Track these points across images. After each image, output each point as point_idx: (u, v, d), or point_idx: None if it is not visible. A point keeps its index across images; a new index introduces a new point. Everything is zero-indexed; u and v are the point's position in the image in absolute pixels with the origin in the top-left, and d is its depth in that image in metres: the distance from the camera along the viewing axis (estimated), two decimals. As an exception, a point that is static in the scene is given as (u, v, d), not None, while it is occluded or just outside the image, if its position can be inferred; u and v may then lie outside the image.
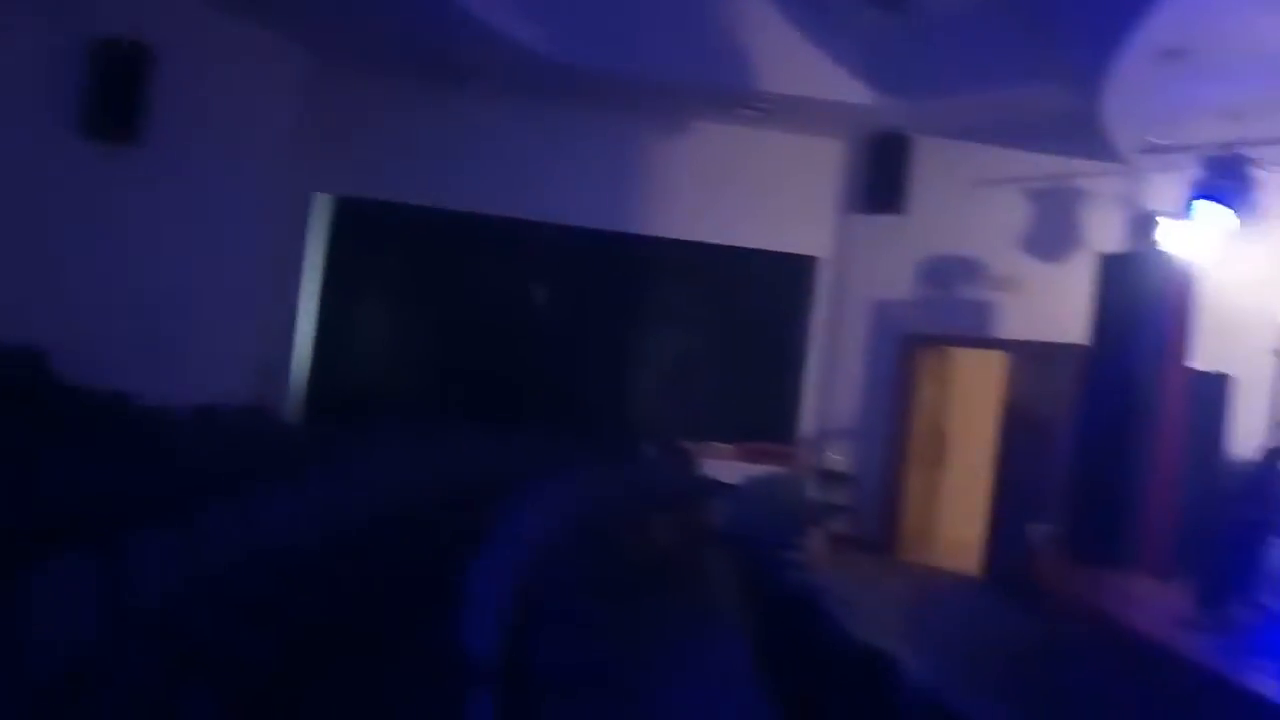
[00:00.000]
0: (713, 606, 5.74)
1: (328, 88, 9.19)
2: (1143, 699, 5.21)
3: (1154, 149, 7.47)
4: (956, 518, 9.24)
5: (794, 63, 8.52)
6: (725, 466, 8.62)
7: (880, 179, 9.40)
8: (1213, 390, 6.98)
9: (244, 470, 5.36)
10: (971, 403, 9.36)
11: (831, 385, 9.90)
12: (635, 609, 5.36)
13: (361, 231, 9.78)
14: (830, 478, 9.38)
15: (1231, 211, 6.55)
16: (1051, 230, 8.86)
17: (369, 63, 9.23)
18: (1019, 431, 8.47)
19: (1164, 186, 7.67)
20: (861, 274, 9.77)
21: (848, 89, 8.57)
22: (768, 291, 10.23)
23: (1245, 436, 6.71)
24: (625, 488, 7.02)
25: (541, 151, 9.59)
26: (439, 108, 9.44)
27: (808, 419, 9.90)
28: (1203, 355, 7.05)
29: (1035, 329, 8.52)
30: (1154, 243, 7.26)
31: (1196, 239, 7.00)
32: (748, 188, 9.78)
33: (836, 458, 9.55)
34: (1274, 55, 6.05)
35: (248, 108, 8.65)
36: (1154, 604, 5.85)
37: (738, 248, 9.85)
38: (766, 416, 9.83)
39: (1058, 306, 8.13)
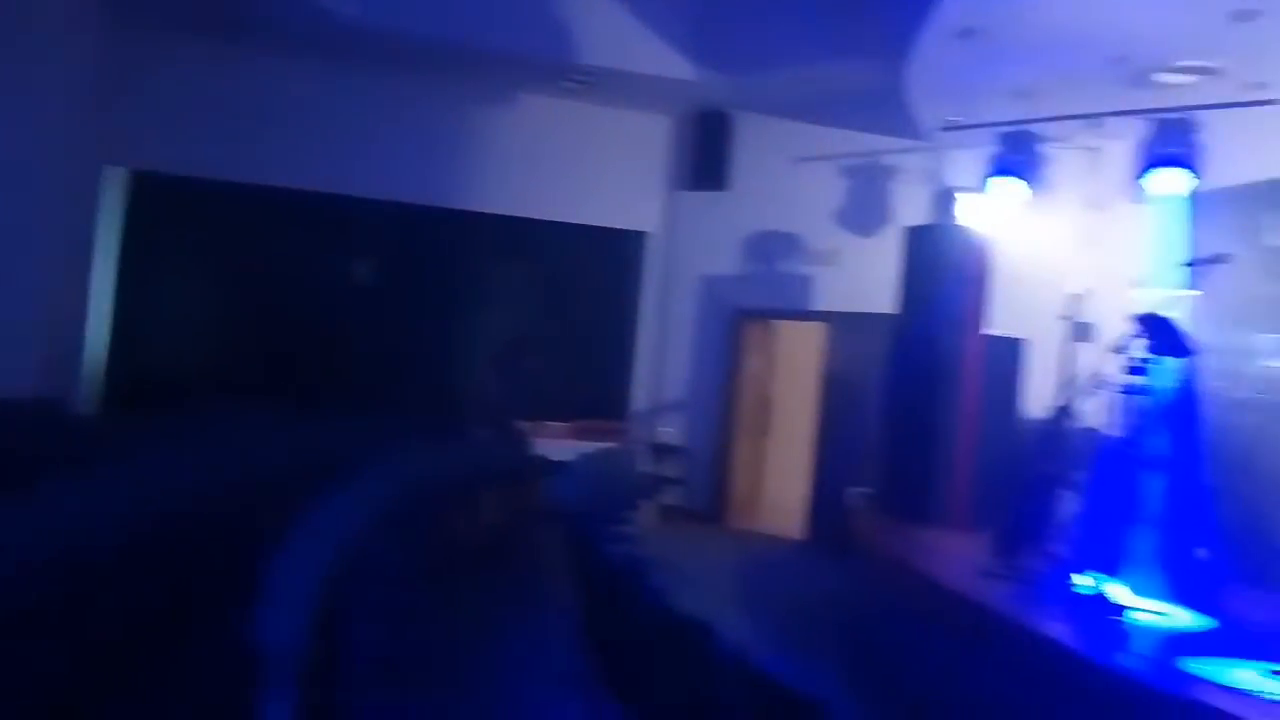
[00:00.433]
0: (541, 585, 5.70)
1: (123, 50, 8.47)
2: (948, 646, 5.50)
3: (954, 127, 7.86)
4: (782, 484, 9.56)
5: (617, 36, 8.50)
6: (557, 444, 8.59)
7: (705, 155, 9.54)
8: (1009, 354, 7.44)
9: (26, 468, 4.90)
10: (795, 373, 9.68)
11: (662, 360, 10.01)
12: (459, 593, 5.26)
13: (162, 208, 9.11)
14: (661, 451, 9.51)
15: (1024, 186, 6.96)
16: (864, 205, 9.26)
17: (170, 22, 8.55)
18: (837, 399, 8.83)
19: (964, 163, 8.13)
20: (689, 249, 9.90)
21: (670, 64, 8.63)
22: (597, 268, 10.23)
23: (1038, 397, 7.17)
24: (451, 469, 6.86)
25: (360, 123, 9.21)
26: (247, 75, 8.89)
27: (639, 394, 9.98)
28: (999, 321, 7.52)
29: (851, 300, 8.89)
30: (954, 216, 7.66)
31: (993, 212, 7.43)
32: (576, 163, 9.71)
33: (667, 431, 9.69)
34: (1061, 38, 6.45)
35: (31, 72, 7.87)
36: (957, 557, 6.18)
37: (566, 223, 9.79)
38: (598, 393, 9.86)
39: (871, 278, 8.49)
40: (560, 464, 7.85)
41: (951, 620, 5.59)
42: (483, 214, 9.59)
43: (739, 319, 9.74)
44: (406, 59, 8.83)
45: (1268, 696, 3.85)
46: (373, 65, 8.99)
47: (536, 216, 9.66)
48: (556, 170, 9.61)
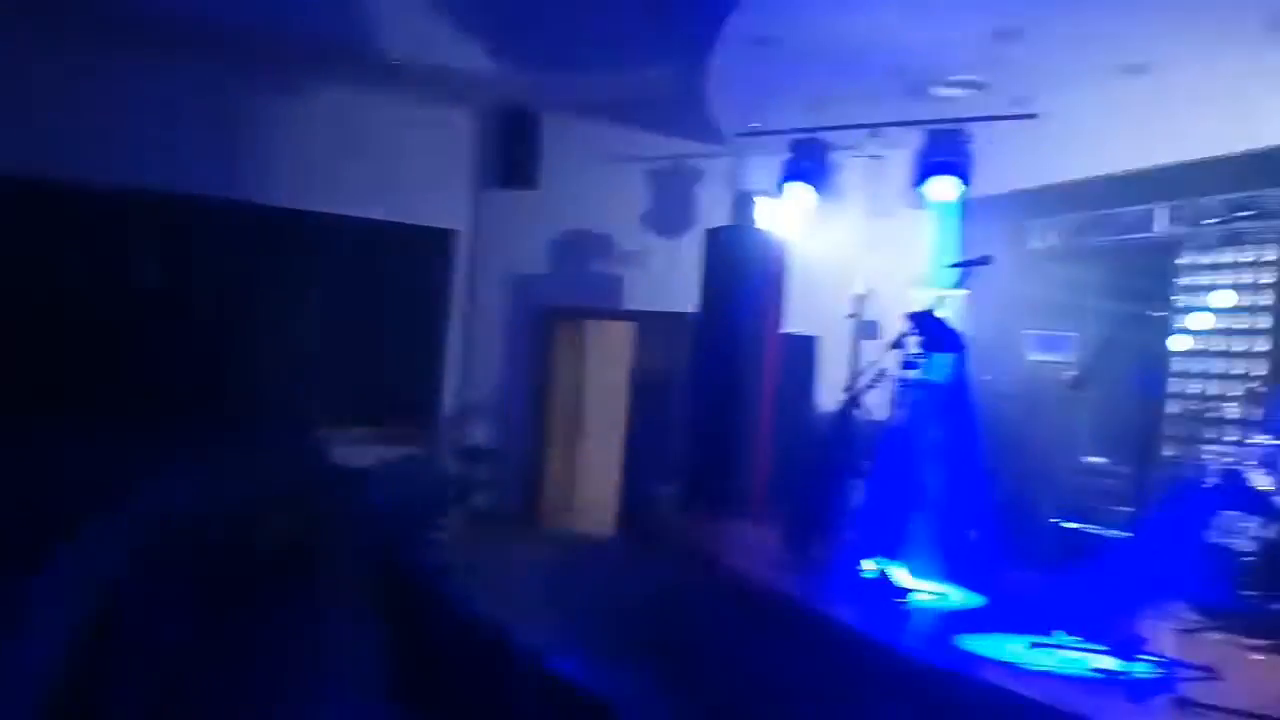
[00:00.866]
0: (341, 598, 5.47)
1: None
2: (749, 635, 5.67)
3: (751, 133, 8.13)
4: (594, 483, 9.61)
5: (419, 29, 8.25)
6: (360, 450, 8.27)
7: (513, 153, 9.45)
8: (803, 351, 7.78)
9: None
10: (605, 372, 9.75)
11: (472, 361, 9.85)
12: (249, 615, 4.96)
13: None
14: (472, 454, 9.35)
15: (814, 191, 7.28)
16: (670, 207, 9.46)
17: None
18: (647, 397, 8.95)
19: (763, 167, 8.44)
20: (498, 248, 9.78)
21: (474, 59, 8.47)
22: (404, 266, 9.92)
23: (830, 391, 7.52)
24: (240, 480, 6.48)
25: (142, 111, 8.52)
26: (8, 54, 8.06)
27: (448, 396, 9.77)
28: (794, 320, 7.85)
29: (660, 300, 9.04)
30: (753, 219, 7.93)
31: (787, 216, 7.74)
32: (379, 158, 9.37)
33: (478, 433, 9.54)
34: (847, 50, 6.77)
35: None
36: (755, 548, 6.40)
37: (370, 220, 9.45)
38: (404, 395, 9.57)
39: (678, 278, 8.65)
40: (361, 470, 7.58)
41: (751, 610, 5.76)
42: (280, 209, 9.10)
43: (549, 318, 9.71)
44: (197, 43, 8.25)
45: (1031, 667, 4.18)
46: (159, 49, 8.34)
47: (337, 212, 9.26)
48: (358, 165, 9.24)
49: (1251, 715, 3.54)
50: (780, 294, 7.63)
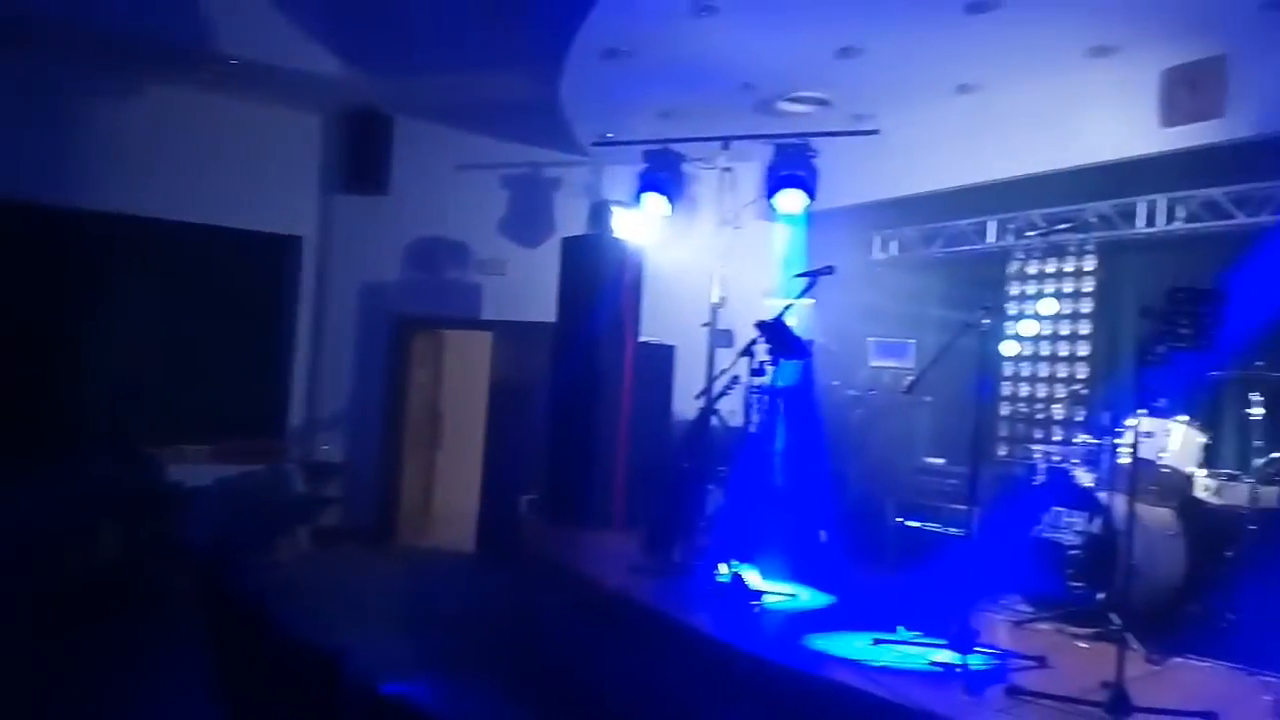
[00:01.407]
0: (170, 626, 5.14)
1: None
2: (607, 644, 5.65)
3: (606, 143, 8.16)
4: (453, 497, 9.40)
5: (260, 27, 7.90)
6: (198, 468, 7.82)
7: (361, 157, 9.15)
8: (660, 359, 7.84)
9: None
10: (463, 383, 9.55)
11: (321, 372, 9.48)
12: (70, 644, 4.60)
13: None
14: (321, 470, 8.99)
15: (667, 202, 7.36)
16: (527, 215, 9.39)
17: None
18: (505, 408, 8.83)
19: (620, 177, 8.49)
20: (348, 256, 9.46)
21: (319, 59, 8.17)
22: (247, 275, 9.45)
23: (686, 398, 7.59)
24: (62, 502, 6.02)
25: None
26: None
27: (295, 410, 9.38)
28: (651, 328, 7.90)
29: (518, 309, 8.94)
30: (610, 228, 7.95)
31: (643, 225, 7.80)
32: (219, 161, 8.90)
33: (327, 448, 9.19)
34: (697, 64, 6.88)
35: None
36: (612, 556, 6.39)
37: (209, 226, 8.96)
38: (247, 410, 9.10)
39: (536, 287, 8.57)
40: (195, 490, 7.18)
41: (608, 619, 5.75)
42: (111, 214, 8.53)
43: (404, 328, 9.46)
44: (26, 39, 7.64)
45: (874, 663, 4.32)
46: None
47: (175, 218, 8.75)
48: (197, 168, 8.76)
49: (1075, 700, 3.75)
50: (637, 302, 7.67)
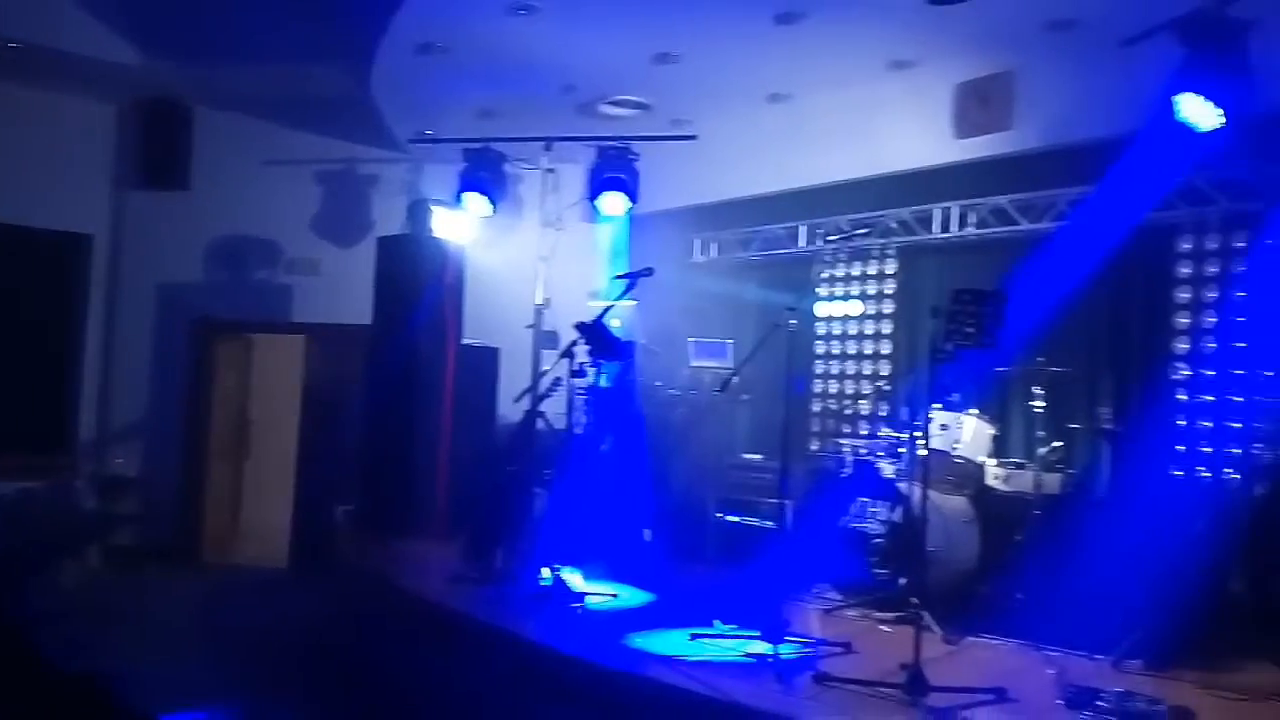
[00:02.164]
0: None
1: None
2: (428, 657, 5.50)
3: (423, 140, 7.96)
4: (264, 510, 8.90)
5: (42, 8, 7.25)
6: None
7: (159, 151, 8.55)
8: (483, 362, 7.72)
9: None
10: (275, 389, 9.07)
11: (116, 381, 8.79)
12: None
13: None
14: (114, 485, 8.34)
15: (488, 202, 7.25)
16: (342, 214, 9.03)
17: None
18: (320, 415, 8.45)
19: (440, 175, 8.29)
20: (145, 255, 8.81)
21: (110, 45, 7.57)
22: (30, 275, 8.65)
23: (511, 402, 7.49)
24: None
25: None
26: None
27: (87, 422, 8.65)
28: (474, 331, 7.77)
29: (333, 312, 8.57)
30: (429, 228, 7.75)
31: (464, 225, 7.66)
32: (3, 154, 8.12)
33: (121, 461, 8.53)
34: (517, 62, 6.80)
35: None
36: (433, 566, 6.24)
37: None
38: (31, 423, 8.32)
39: (349, 289, 8.25)
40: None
41: (430, 630, 5.60)
42: None
43: (207, 332, 8.89)
44: None
45: (691, 658, 4.38)
46: None
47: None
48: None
49: (877, 684, 3.93)
50: (458, 304, 7.53)
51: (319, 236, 9.06)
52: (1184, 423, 5.88)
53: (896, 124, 7.06)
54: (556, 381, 5.97)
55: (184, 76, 8.05)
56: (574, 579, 5.43)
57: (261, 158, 8.84)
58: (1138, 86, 5.15)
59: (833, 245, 7.21)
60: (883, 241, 7.51)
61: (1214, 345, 5.81)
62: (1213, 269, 5.87)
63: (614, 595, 5.57)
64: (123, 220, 8.79)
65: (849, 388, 7.79)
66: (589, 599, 5.37)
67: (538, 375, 6.06)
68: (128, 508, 8.32)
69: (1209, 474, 5.81)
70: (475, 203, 7.29)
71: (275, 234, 9.00)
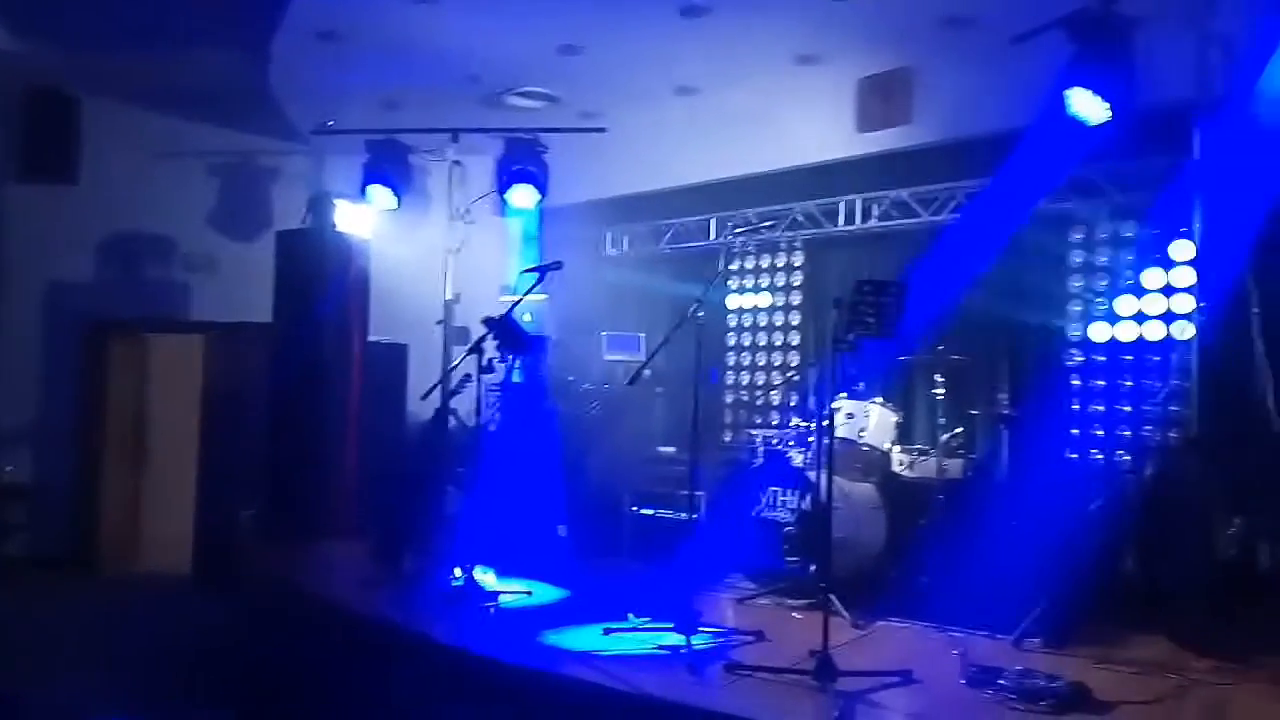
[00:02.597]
0: None
1: None
2: (338, 662, 5.37)
3: (324, 131, 7.74)
4: (163, 516, 8.58)
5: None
6: None
7: (42, 142, 8.15)
8: (391, 359, 7.56)
9: None
10: (173, 391, 8.74)
11: (2, 384, 8.36)
12: None
13: None
14: (3, 493, 7.94)
15: (393, 194, 7.09)
16: (240, 208, 8.74)
17: None
18: (221, 417, 8.17)
19: (343, 167, 8.07)
20: (29, 252, 8.39)
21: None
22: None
23: (419, 399, 7.36)
24: None
25: None
26: None
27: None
28: (381, 327, 7.60)
29: (233, 310, 8.29)
30: (332, 222, 7.55)
31: (368, 219, 7.48)
32: None
33: (11, 469, 8.12)
34: (420, 51, 6.68)
35: None
36: (342, 569, 6.09)
37: None
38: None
39: (250, 286, 7.98)
40: None
41: (339, 635, 5.47)
42: None
43: (100, 332, 8.51)
44: None
45: (605, 653, 4.36)
46: None
47: None
48: None
49: (787, 670, 3.97)
50: (363, 300, 7.35)
51: (217, 232, 8.76)
52: (1078, 407, 6.12)
53: (802, 118, 7.16)
54: (466, 377, 5.87)
55: (68, 64, 7.66)
56: (486, 578, 5.36)
57: (154, 150, 8.50)
58: (1030, 82, 5.29)
59: (740, 238, 7.28)
60: (790, 234, 7.61)
61: (1108, 333, 6.05)
62: (1104, 258, 6.11)
63: (527, 593, 5.52)
64: (4, 216, 8.35)
65: (760, 378, 7.89)
66: (502, 598, 5.31)
67: (446, 371, 5.95)
68: (18, 516, 7.95)
69: (1102, 456, 6.05)
70: (379, 196, 7.12)
71: (170, 230, 8.67)
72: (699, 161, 7.82)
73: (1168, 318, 5.75)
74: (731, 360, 8.03)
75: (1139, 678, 4.18)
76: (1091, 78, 4.87)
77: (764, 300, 7.87)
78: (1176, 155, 5.09)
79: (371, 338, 7.46)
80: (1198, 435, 4.79)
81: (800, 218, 7.51)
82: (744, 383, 7.97)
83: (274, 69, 6.91)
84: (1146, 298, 5.92)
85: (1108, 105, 4.87)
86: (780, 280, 7.80)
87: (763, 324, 7.89)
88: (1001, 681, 3.84)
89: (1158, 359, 5.81)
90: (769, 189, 7.58)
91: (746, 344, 7.96)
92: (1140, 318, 5.97)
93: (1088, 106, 4.93)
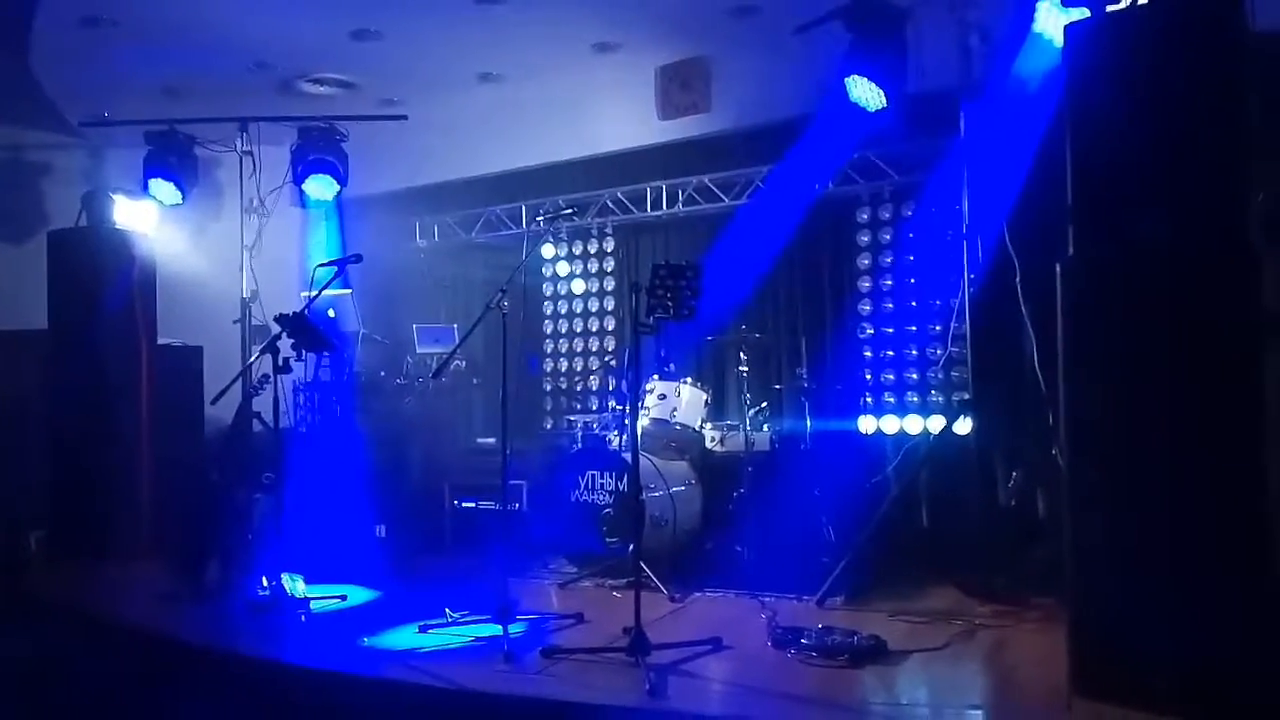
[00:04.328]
0: None
1: None
2: (136, 688, 5.06)
3: (97, 123, 7.20)
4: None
5: None
6: None
7: None
8: (186, 362, 7.14)
9: None
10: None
11: None
12: None
13: None
14: None
15: (177, 188, 6.68)
16: (8, 207, 8.02)
17: None
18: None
19: (124, 161, 7.52)
20: None
21: None
22: None
23: (220, 403, 6.98)
24: None
25: None
26: None
27: None
28: (175, 329, 7.16)
29: (2, 316, 7.60)
30: (111, 219, 7.03)
31: (152, 215, 7.02)
32: None
33: None
34: (200, 35, 6.29)
35: None
36: (139, 587, 5.73)
37: None
38: None
39: (23, 290, 7.33)
40: None
41: (138, 657, 5.15)
42: None
43: None
44: None
45: (422, 650, 4.30)
46: None
47: None
48: None
49: (603, 649, 4.04)
50: (150, 301, 6.88)
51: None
52: (870, 377, 6.51)
53: (605, 106, 7.23)
54: (265, 378, 5.61)
55: None
56: (296, 585, 5.16)
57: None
58: (817, 70, 5.56)
59: (545, 226, 7.28)
60: (601, 220, 7.68)
61: (891, 306, 6.45)
62: (887, 236, 6.51)
63: (342, 598, 5.36)
64: None
65: (579, 364, 7.94)
66: (314, 604, 5.13)
67: (240, 373, 5.66)
68: None
69: (893, 421, 6.45)
70: (162, 190, 6.69)
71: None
72: (507, 149, 7.76)
73: (944, 289, 6.19)
74: (550, 348, 8.05)
75: (930, 626, 4.50)
76: (868, 66, 5.16)
77: (578, 287, 7.93)
78: (947, 137, 5.45)
79: (163, 341, 7.01)
80: (974, 397, 5.17)
81: (610, 204, 7.60)
82: (563, 369, 8.01)
83: (36, 57, 6.35)
84: (926, 271, 6.36)
85: (883, 92, 5.17)
86: (594, 266, 7.88)
87: (578, 310, 7.95)
88: (804, 640, 4.05)
89: (939, 328, 6.24)
90: (579, 176, 7.62)
91: (564, 331, 8.01)
92: (921, 290, 6.41)
93: (866, 93, 5.21)
